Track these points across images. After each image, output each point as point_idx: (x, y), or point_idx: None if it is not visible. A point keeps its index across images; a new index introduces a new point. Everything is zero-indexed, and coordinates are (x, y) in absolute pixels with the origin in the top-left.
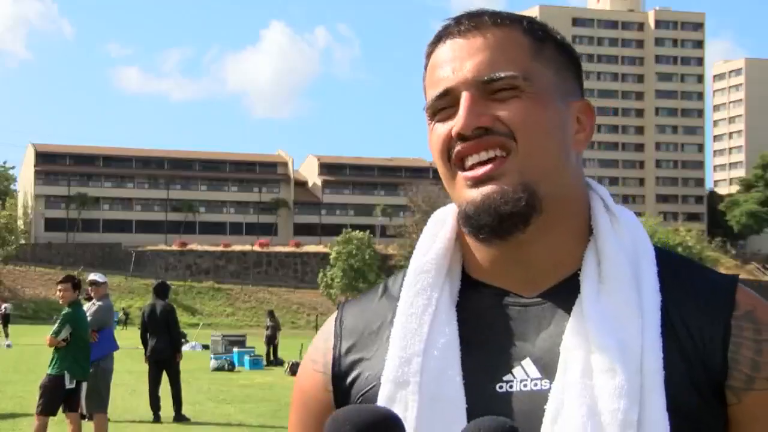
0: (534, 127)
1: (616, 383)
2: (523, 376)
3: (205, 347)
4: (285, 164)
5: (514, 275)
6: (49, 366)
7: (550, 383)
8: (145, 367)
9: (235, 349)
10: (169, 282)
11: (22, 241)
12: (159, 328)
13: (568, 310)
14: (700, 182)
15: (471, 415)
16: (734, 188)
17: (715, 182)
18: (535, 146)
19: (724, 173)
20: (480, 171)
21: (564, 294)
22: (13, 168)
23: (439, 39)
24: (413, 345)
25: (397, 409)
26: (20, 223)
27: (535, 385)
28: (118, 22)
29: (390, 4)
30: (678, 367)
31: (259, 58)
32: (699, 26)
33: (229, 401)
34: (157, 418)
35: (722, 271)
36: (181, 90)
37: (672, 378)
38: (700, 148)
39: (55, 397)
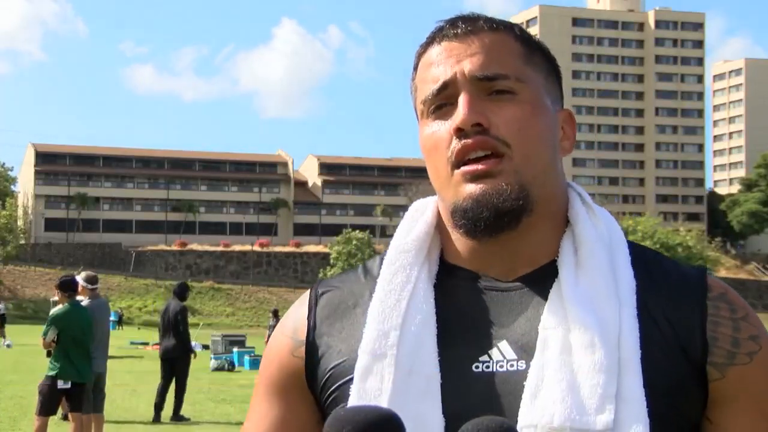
0: (529, 133)
1: (596, 358)
2: (500, 357)
3: (206, 347)
4: (285, 164)
5: (493, 264)
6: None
7: (527, 365)
8: (145, 367)
9: (235, 349)
10: (168, 282)
11: (22, 241)
12: (168, 328)
13: (546, 295)
14: (700, 182)
15: (446, 391)
16: (734, 188)
17: (715, 182)
18: (529, 152)
19: (724, 173)
20: (480, 166)
21: (541, 280)
22: (12, 169)
23: (432, 40)
24: (391, 319)
25: (373, 381)
26: (20, 223)
27: (512, 366)
28: (132, 20)
29: (401, 3)
30: (655, 347)
31: (272, 57)
32: (699, 26)
33: (229, 401)
34: (157, 418)
35: (722, 271)
36: (194, 89)
37: (649, 356)
38: (700, 148)
39: (52, 398)
